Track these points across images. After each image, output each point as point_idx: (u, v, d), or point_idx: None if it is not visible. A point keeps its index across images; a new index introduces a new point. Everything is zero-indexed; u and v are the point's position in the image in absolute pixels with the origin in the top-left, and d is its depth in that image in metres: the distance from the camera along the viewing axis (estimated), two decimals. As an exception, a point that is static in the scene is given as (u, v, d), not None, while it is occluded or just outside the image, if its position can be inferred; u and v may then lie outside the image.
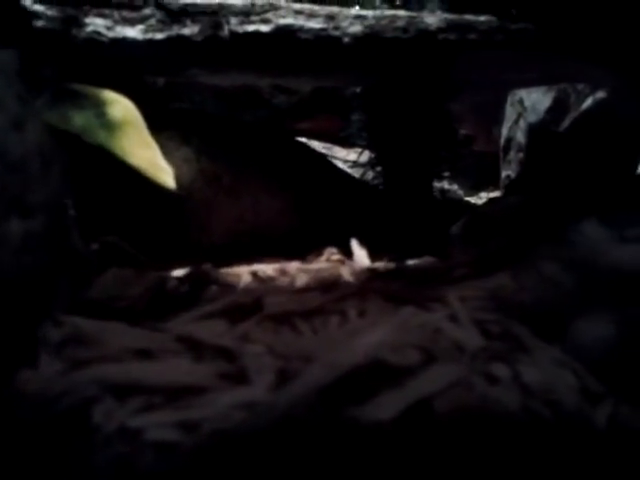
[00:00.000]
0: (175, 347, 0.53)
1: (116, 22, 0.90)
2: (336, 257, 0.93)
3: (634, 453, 0.47)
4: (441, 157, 1.63)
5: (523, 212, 0.83)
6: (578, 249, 0.62)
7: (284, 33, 0.94)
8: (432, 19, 0.97)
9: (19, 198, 0.48)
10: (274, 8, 0.97)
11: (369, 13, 1.00)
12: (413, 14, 1.00)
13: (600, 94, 1.54)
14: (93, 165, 1.01)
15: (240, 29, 0.93)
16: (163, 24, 0.91)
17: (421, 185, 1.42)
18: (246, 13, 0.95)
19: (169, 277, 0.72)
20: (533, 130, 1.57)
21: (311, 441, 0.40)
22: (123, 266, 0.77)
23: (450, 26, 0.97)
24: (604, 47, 0.98)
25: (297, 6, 0.99)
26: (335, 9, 1.00)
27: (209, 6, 0.95)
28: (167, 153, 0.92)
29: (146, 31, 0.90)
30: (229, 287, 0.71)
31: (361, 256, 0.92)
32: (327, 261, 0.92)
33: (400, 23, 0.97)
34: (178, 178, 0.90)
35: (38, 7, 0.91)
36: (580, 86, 1.59)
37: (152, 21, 0.91)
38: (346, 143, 1.81)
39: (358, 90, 1.63)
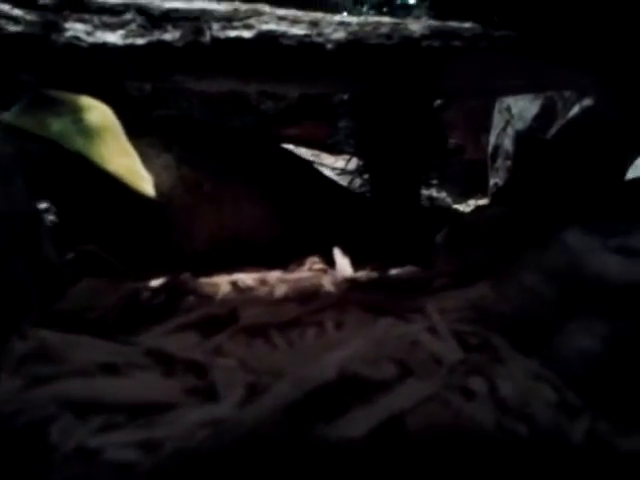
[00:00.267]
0: (144, 361, 0.52)
1: (96, 27, 0.89)
2: (318, 266, 0.91)
3: (610, 469, 0.46)
4: (429, 164, 1.62)
5: (506, 222, 0.83)
6: (560, 259, 0.62)
7: (267, 39, 0.93)
8: (416, 26, 0.97)
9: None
10: (257, 14, 0.97)
11: (353, 19, 0.99)
12: (397, 21, 1.00)
13: (587, 102, 1.54)
14: (74, 172, 1.00)
15: (222, 35, 0.92)
16: (144, 29, 0.90)
17: (409, 193, 1.41)
18: (228, 19, 0.94)
19: (144, 287, 0.70)
20: (520, 138, 1.57)
21: (277, 460, 0.39)
22: (100, 275, 0.76)
23: (434, 33, 0.97)
24: (588, 54, 0.98)
25: (281, 12, 0.98)
26: (319, 15, 0.99)
27: (191, 11, 0.94)
28: (147, 160, 0.91)
29: (126, 36, 0.89)
30: (206, 297, 0.70)
31: (343, 265, 0.91)
32: (309, 270, 0.90)
33: (384, 30, 0.96)
34: (158, 185, 0.89)
35: (17, 12, 0.89)
36: (567, 93, 1.59)
37: (133, 26, 0.90)
38: (334, 150, 1.81)
39: (345, 97, 1.62)
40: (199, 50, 0.92)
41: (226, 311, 0.62)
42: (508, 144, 1.68)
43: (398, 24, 0.98)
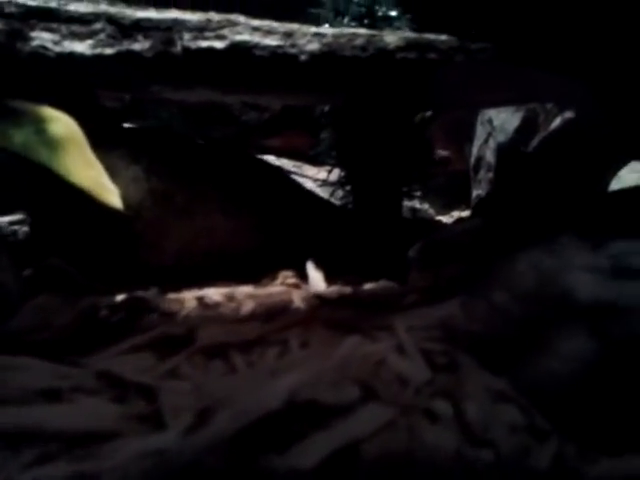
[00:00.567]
0: (93, 385, 0.49)
1: (64, 36, 0.87)
2: (291, 280, 0.89)
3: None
4: (413, 176, 1.61)
5: (481, 236, 0.81)
6: (528, 278, 0.60)
7: (239, 50, 0.91)
8: (391, 38, 0.96)
9: None
10: (232, 24, 0.95)
11: (329, 31, 0.98)
12: (373, 32, 0.99)
13: (568, 114, 1.54)
14: (41, 184, 0.97)
15: (193, 45, 0.90)
16: (113, 39, 0.88)
17: (390, 204, 1.40)
18: (201, 29, 0.93)
19: (105, 303, 0.68)
20: (502, 150, 1.57)
21: (222, 494, 0.37)
22: (62, 291, 0.73)
23: (410, 45, 0.96)
24: (567, 65, 0.98)
25: (256, 22, 0.97)
26: (295, 26, 0.98)
27: (163, 21, 0.92)
28: (116, 172, 0.89)
29: (95, 46, 0.87)
30: (168, 315, 0.68)
31: (317, 279, 0.89)
32: (281, 285, 0.88)
33: (359, 41, 0.95)
34: (126, 198, 0.86)
35: (-18, 19, 0.87)
36: (549, 106, 1.59)
37: (102, 36, 0.88)
38: (316, 161, 1.79)
39: (327, 108, 1.61)
40: (170, 60, 0.90)
41: (185, 330, 0.59)
42: (490, 156, 1.67)
43: (374, 36, 0.97)
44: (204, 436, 0.39)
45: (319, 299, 0.76)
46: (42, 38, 0.86)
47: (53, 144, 0.77)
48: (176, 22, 0.93)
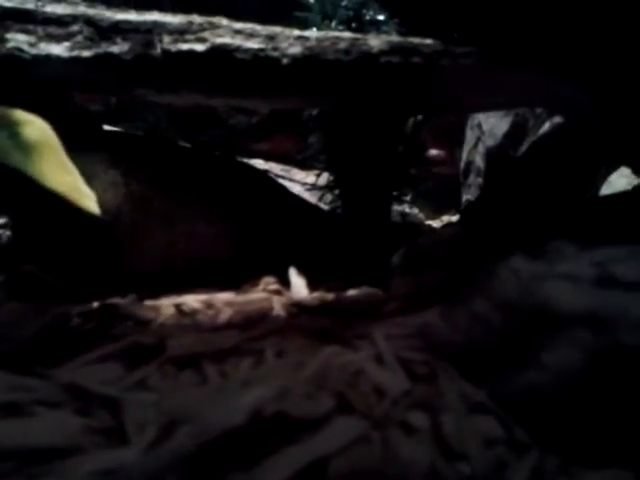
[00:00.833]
0: (58, 398, 0.47)
1: (40, 38, 0.85)
2: (273, 287, 0.88)
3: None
4: (402, 180, 1.60)
5: (464, 243, 0.80)
6: (508, 286, 0.59)
7: (220, 53, 0.90)
8: (375, 41, 0.95)
9: None
10: (213, 27, 0.94)
11: (312, 34, 0.97)
12: (357, 36, 0.98)
13: (557, 119, 1.53)
14: (17, 189, 0.95)
15: (173, 48, 0.89)
16: (91, 41, 0.87)
17: (379, 208, 1.39)
18: (182, 31, 0.91)
19: (77, 311, 0.66)
20: (491, 154, 1.56)
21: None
22: (32, 298, 0.71)
23: (394, 49, 0.94)
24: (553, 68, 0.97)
25: (238, 25, 0.96)
26: (277, 29, 0.97)
27: (143, 23, 0.91)
28: (94, 176, 0.87)
29: (72, 48, 0.85)
30: (143, 323, 0.66)
31: (298, 286, 0.88)
32: (263, 291, 0.87)
33: (342, 45, 0.94)
34: (104, 203, 0.85)
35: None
36: (538, 111, 1.58)
37: (79, 38, 0.86)
38: (305, 165, 1.78)
39: (315, 112, 1.60)
40: (149, 63, 0.89)
41: (157, 339, 0.58)
42: (479, 161, 1.67)
43: (357, 39, 0.96)
44: (166, 452, 0.38)
45: (299, 306, 0.74)
46: (17, 40, 0.84)
47: (27, 148, 0.75)
48: (156, 24, 0.91)
